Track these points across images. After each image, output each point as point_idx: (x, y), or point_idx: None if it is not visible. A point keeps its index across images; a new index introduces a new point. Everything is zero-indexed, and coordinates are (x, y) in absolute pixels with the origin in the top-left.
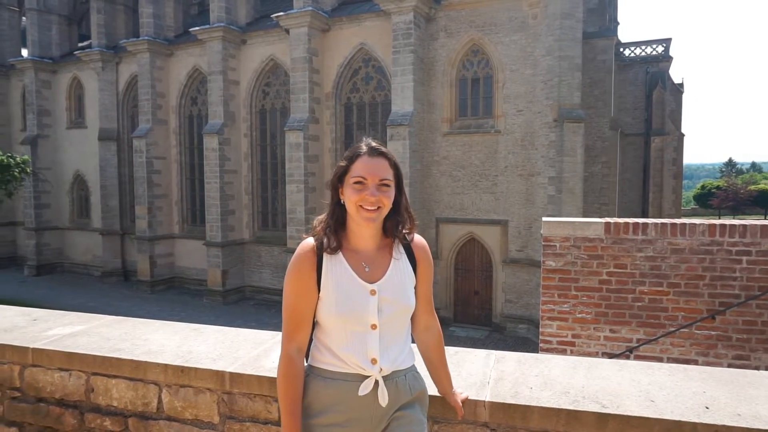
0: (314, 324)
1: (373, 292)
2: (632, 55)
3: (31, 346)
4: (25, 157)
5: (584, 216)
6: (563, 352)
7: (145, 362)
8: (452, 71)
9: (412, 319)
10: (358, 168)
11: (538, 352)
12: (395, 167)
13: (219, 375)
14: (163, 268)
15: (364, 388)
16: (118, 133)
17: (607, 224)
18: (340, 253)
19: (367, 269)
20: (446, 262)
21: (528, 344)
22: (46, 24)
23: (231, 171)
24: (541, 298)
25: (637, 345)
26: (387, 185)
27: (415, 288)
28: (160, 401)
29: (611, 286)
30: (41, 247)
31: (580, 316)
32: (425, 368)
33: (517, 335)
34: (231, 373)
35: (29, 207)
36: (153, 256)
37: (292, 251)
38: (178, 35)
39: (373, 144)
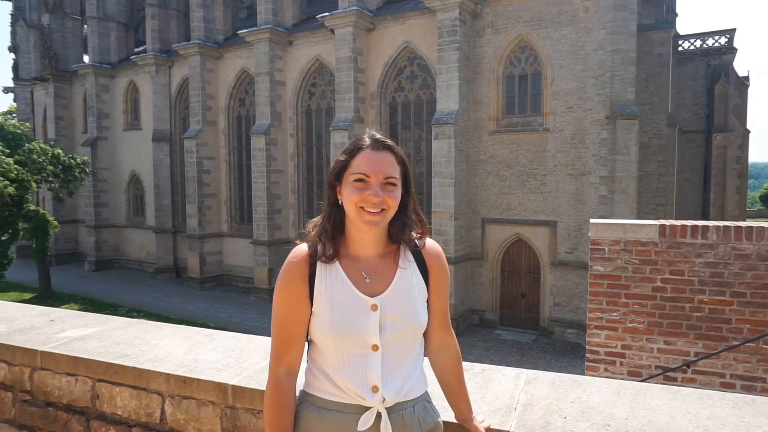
0: (309, 342)
1: (374, 307)
2: (692, 47)
3: (40, 349)
4: (85, 158)
5: (639, 217)
6: (612, 363)
7: (148, 371)
8: (499, 68)
9: (425, 336)
10: (360, 163)
11: (584, 361)
12: (403, 163)
13: (221, 387)
14: (212, 265)
15: (365, 423)
16: (170, 134)
17: (662, 227)
18: (337, 262)
19: (367, 280)
20: (492, 264)
21: (577, 350)
22: (105, 31)
23: (277, 171)
24: (588, 305)
25: (695, 359)
26: (393, 184)
27: (427, 301)
28: (163, 412)
29: (666, 294)
30: (100, 243)
31: (630, 325)
32: (440, 389)
33: (566, 340)
34: (234, 386)
35: (89, 205)
36: (203, 253)
37: None
38: (227, 38)
39: (378, 136)
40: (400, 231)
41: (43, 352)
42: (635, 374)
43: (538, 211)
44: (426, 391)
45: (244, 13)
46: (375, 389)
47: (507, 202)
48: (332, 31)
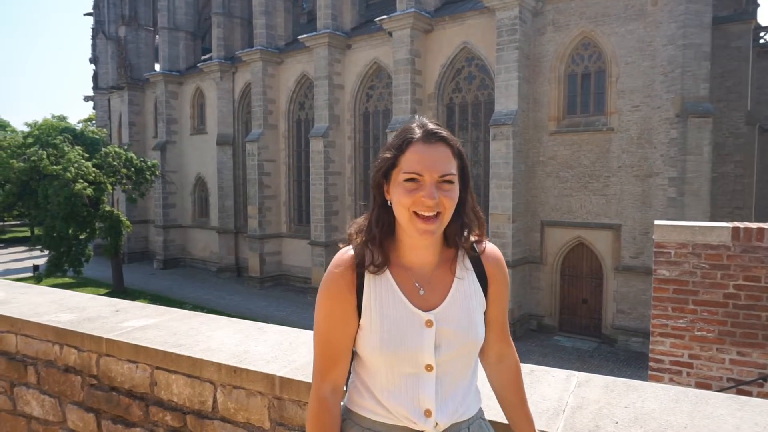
0: (353, 354)
1: (429, 323)
2: None
3: (105, 337)
4: (155, 161)
5: (712, 221)
6: (678, 373)
7: (201, 360)
8: (560, 67)
9: (482, 347)
10: (411, 160)
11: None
12: (460, 156)
13: (269, 378)
14: (272, 265)
15: None
16: (233, 138)
17: (735, 229)
18: (388, 271)
19: (421, 292)
20: (551, 268)
21: (642, 359)
22: (175, 40)
23: (335, 173)
24: (651, 311)
25: None
26: (450, 182)
27: (485, 312)
28: (215, 401)
29: (740, 301)
30: (168, 243)
31: (699, 334)
32: (496, 402)
33: (630, 349)
34: (281, 378)
35: (158, 206)
36: (262, 254)
37: None
38: (287, 43)
39: (430, 126)
40: (458, 234)
41: (108, 340)
42: (704, 386)
43: (600, 214)
44: (480, 408)
45: (304, 19)
46: (428, 413)
47: (567, 205)
48: (390, 33)
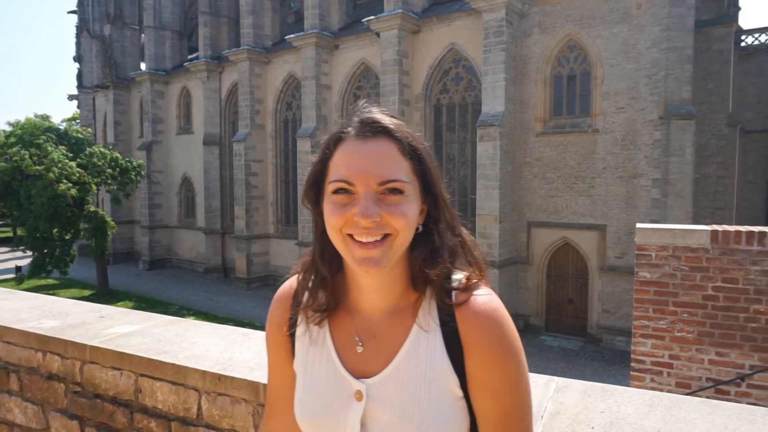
0: None
1: (358, 396)
2: (756, 42)
3: (89, 344)
4: (141, 161)
5: (695, 222)
6: (659, 374)
7: (186, 367)
8: (546, 68)
9: None
10: (339, 163)
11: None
12: (414, 154)
13: (253, 386)
14: (259, 266)
15: None
16: (220, 138)
17: (714, 232)
18: (326, 322)
19: (359, 349)
20: (538, 268)
21: (627, 358)
22: (161, 39)
23: None
24: (633, 312)
25: (750, 372)
26: (398, 190)
27: (468, 400)
28: (199, 408)
29: (718, 302)
30: (153, 243)
31: (679, 335)
32: None
33: (614, 348)
34: (265, 385)
35: (144, 207)
36: (249, 254)
37: None
38: (275, 43)
39: (368, 115)
40: (426, 265)
41: (91, 347)
42: (684, 386)
43: (586, 215)
44: None
45: (292, 18)
46: None
47: (554, 205)
48: (377, 34)
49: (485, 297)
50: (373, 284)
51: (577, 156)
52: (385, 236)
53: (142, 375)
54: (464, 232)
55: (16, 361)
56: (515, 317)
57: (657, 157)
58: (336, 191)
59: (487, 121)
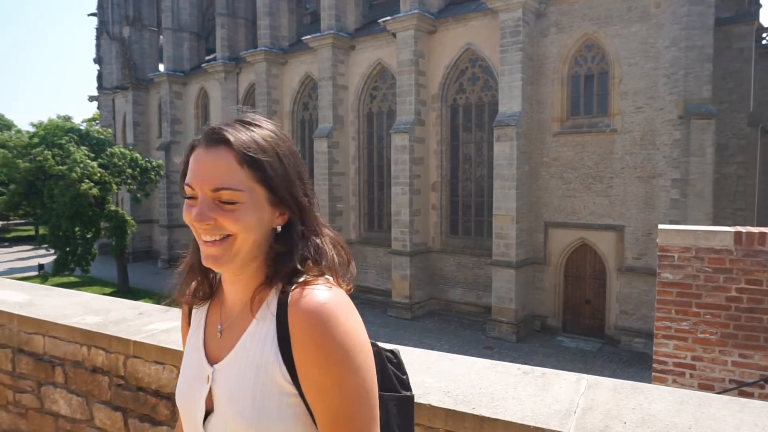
0: None
1: (208, 380)
2: None
3: (133, 339)
4: (160, 161)
5: (715, 222)
6: (681, 375)
7: None
8: (564, 68)
9: None
10: (189, 169)
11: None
12: (253, 164)
13: None
14: None
15: None
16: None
17: (738, 234)
18: (208, 303)
19: (219, 335)
20: (555, 268)
21: (645, 360)
22: (179, 41)
23: (339, 173)
24: (655, 313)
25: None
26: (229, 201)
27: (303, 397)
28: None
29: (742, 304)
30: (172, 242)
31: (702, 336)
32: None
33: (633, 350)
34: None
35: (162, 206)
36: None
37: (397, 253)
38: (291, 44)
39: (214, 126)
40: (277, 263)
41: (135, 342)
42: (707, 387)
43: (604, 215)
44: None
45: (308, 19)
46: None
47: (571, 206)
48: (394, 34)
49: (317, 293)
50: (229, 278)
51: (594, 156)
52: (227, 236)
53: None
54: (328, 233)
55: (61, 355)
56: (532, 318)
57: (676, 157)
58: (187, 195)
59: (504, 121)
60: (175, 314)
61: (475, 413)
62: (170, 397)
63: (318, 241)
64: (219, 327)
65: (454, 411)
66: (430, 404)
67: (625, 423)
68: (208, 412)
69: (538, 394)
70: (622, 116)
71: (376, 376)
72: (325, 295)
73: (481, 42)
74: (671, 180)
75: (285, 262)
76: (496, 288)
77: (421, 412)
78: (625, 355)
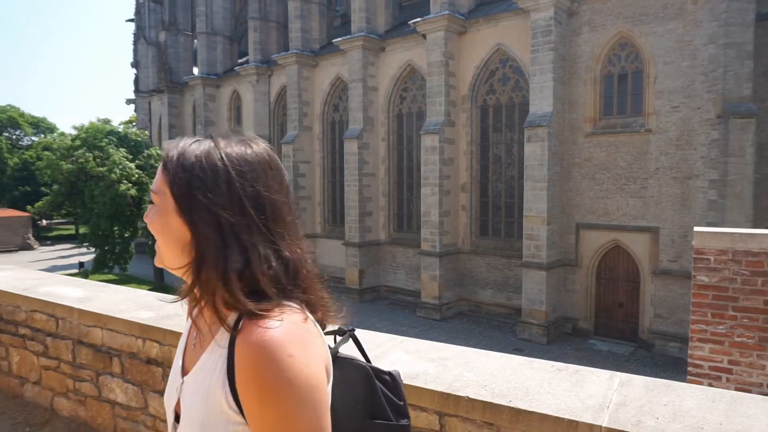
0: None
1: (177, 388)
2: None
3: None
4: None
5: (755, 224)
6: (717, 379)
7: None
8: (596, 67)
9: None
10: None
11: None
12: (168, 171)
13: None
14: None
15: None
16: (269, 140)
17: None
18: (197, 309)
19: (194, 345)
20: (587, 270)
21: (679, 364)
22: (213, 45)
23: (369, 174)
24: (690, 316)
25: None
26: (153, 202)
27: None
28: None
29: None
30: None
31: (739, 340)
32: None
33: (667, 354)
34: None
35: None
36: None
37: (426, 253)
38: (322, 46)
39: (168, 143)
40: (201, 290)
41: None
42: (744, 391)
43: (638, 217)
44: None
45: (338, 22)
46: None
47: (604, 207)
48: (424, 35)
49: (265, 325)
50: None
51: (628, 156)
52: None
53: None
54: (289, 255)
55: (118, 346)
56: (563, 320)
57: (714, 157)
58: None
59: (535, 121)
60: None
61: (512, 406)
62: None
63: (257, 257)
64: (194, 337)
65: (491, 403)
66: (468, 397)
67: (657, 418)
68: (180, 417)
69: (572, 389)
70: (657, 116)
71: (325, 413)
72: (271, 329)
73: (511, 42)
74: (709, 181)
75: (196, 272)
76: (527, 289)
77: (459, 405)
78: (660, 360)
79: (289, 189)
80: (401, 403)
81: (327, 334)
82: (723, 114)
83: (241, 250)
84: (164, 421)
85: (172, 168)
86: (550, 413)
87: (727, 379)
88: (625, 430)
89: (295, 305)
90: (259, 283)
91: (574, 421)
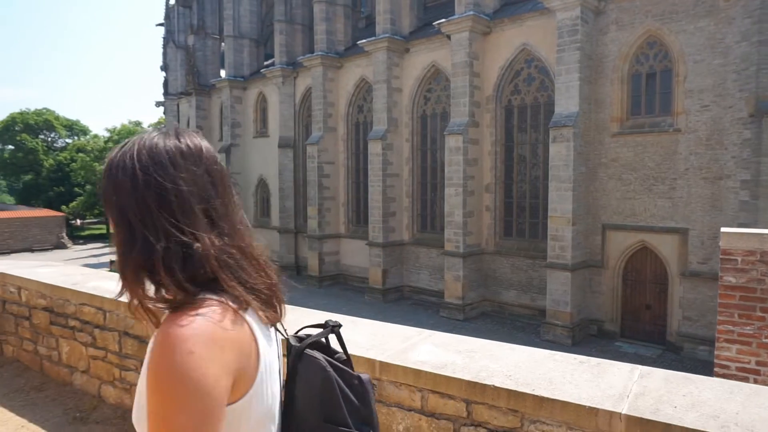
0: None
1: None
2: None
3: None
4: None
5: None
6: (744, 380)
7: None
8: (624, 66)
9: None
10: None
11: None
12: (105, 179)
13: (371, 363)
14: (330, 265)
15: None
16: (294, 141)
17: None
18: None
19: None
20: (613, 272)
21: (709, 368)
22: (239, 47)
23: (393, 175)
24: (717, 317)
25: None
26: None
27: None
28: None
29: None
30: None
31: (767, 341)
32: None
33: (696, 357)
34: (381, 362)
35: None
36: (321, 253)
37: (450, 254)
38: (347, 48)
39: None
40: (122, 281)
41: None
42: None
43: (666, 218)
44: None
45: (363, 23)
46: None
47: (630, 208)
48: (448, 36)
49: (177, 320)
50: None
51: (656, 156)
52: None
53: None
54: (227, 249)
55: None
56: (588, 322)
57: (746, 157)
58: None
59: (561, 121)
60: None
61: (535, 394)
62: None
63: (161, 253)
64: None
65: (515, 392)
66: (494, 385)
67: (675, 407)
68: None
69: (594, 380)
70: (687, 115)
71: (211, 425)
72: (182, 324)
73: (537, 42)
74: (740, 181)
75: (119, 272)
76: (551, 290)
77: (485, 393)
78: (688, 363)
79: (215, 179)
80: (366, 410)
81: (311, 327)
82: (756, 113)
83: (146, 247)
84: None
85: (104, 177)
86: (571, 401)
87: (755, 380)
88: (644, 416)
89: (216, 302)
90: (163, 279)
91: (594, 408)
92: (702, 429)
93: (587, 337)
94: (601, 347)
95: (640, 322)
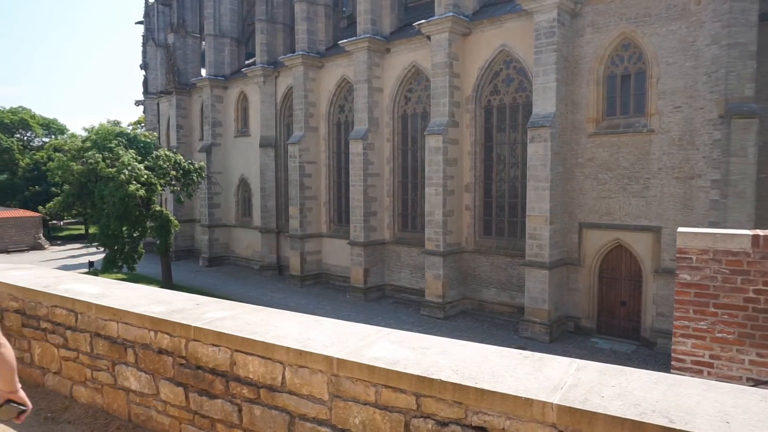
0: None
1: None
2: None
3: (193, 325)
4: (202, 163)
5: (758, 224)
6: (699, 372)
7: (273, 344)
8: (599, 68)
9: None
10: None
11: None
12: None
13: (328, 360)
14: (312, 264)
15: None
16: (276, 140)
17: (755, 237)
18: None
19: None
20: (589, 269)
21: None
22: (220, 47)
23: (374, 174)
24: (674, 312)
25: None
26: None
27: None
28: (284, 377)
29: (759, 305)
30: (213, 241)
31: (719, 335)
32: None
33: (669, 352)
34: (338, 359)
35: (204, 207)
36: (303, 253)
37: (430, 253)
38: (328, 48)
39: None
40: None
41: (195, 328)
42: None
43: (640, 216)
44: None
45: (344, 23)
46: None
47: (606, 207)
48: (428, 37)
49: None
50: None
51: (630, 156)
52: None
53: (236, 351)
54: None
55: (132, 338)
56: (565, 319)
57: (717, 157)
58: None
59: (538, 122)
60: (227, 305)
61: (478, 387)
62: (224, 375)
63: None
64: None
65: (460, 385)
66: (440, 379)
67: (602, 397)
68: None
69: (533, 373)
70: (660, 116)
71: None
72: None
73: (515, 43)
74: (711, 181)
75: None
76: (530, 288)
77: (433, 386)
78: (662, 358)
79: None
80: None
81: None
82: (725, 114)
83: None
84: (174, 405)
85: None
86: (510, 393)
87: (708, 373)
88: (573, 406)
89: None
90: None
91: (530, 399)
92: (622, 416)
93: (565, 334)
94: (577, 344)
95: (616, 318)
